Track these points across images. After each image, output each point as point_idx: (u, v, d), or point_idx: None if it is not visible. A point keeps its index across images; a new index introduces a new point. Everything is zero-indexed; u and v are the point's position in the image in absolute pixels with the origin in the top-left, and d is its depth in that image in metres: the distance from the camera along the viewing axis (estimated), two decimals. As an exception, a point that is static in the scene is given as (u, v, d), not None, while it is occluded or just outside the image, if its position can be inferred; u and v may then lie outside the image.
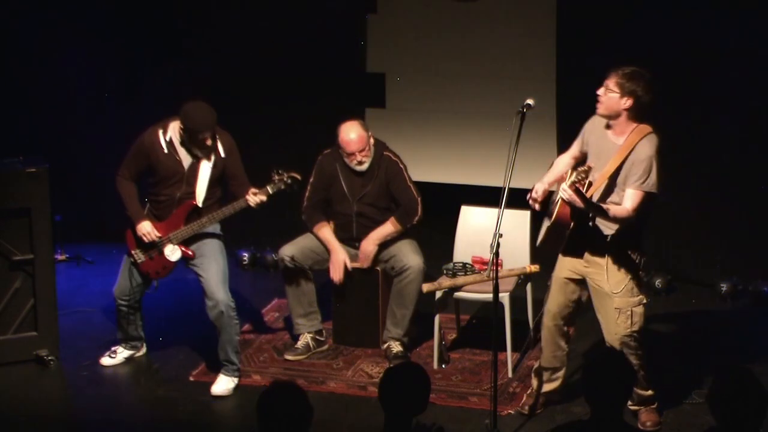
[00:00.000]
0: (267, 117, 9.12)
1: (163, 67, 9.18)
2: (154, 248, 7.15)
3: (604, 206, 6.17)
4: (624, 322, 6.34)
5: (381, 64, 9.20)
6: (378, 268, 7.56)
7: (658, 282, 8.46)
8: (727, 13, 8.17)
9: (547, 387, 6.77)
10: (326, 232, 7.56)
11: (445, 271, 7.45)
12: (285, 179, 7.09)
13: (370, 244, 7.49)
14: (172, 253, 7.14)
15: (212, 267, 7.13)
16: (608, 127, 6.34)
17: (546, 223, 6.45)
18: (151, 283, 7.31)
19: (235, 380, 7.15)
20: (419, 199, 7.48)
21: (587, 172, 6.11)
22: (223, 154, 7.11)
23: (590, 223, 6.29)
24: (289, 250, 7.54)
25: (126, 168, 7.20)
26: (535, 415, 6.74)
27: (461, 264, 7.45)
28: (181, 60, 9.20)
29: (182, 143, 7.06)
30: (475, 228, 7.52)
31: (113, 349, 7.52)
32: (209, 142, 7.00)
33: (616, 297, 6.34)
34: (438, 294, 7.33)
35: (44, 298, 7.51)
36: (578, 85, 8.24)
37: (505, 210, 6.23)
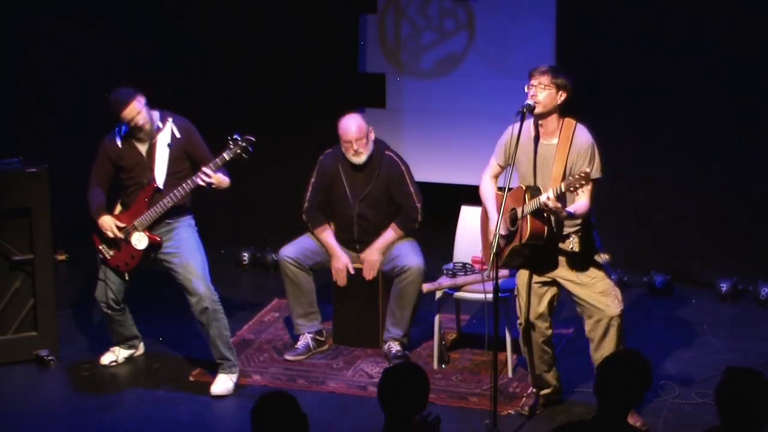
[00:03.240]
0: (267, 117, 9.12)
1: (164, 68, 9.18)
2: (120, 239, 7.12)
3: (571, 209, 6.23)
4: (613, 302, 6.42)
5: (381, 64, 9.21)
6: (378, 269, 7.56)
7: (657, 280, 8.47)
8: (728, 11, 8.17)
9: (545, 391, 6.79)
10: (328, 235, 7.55)
11: (445, 271, 7.45)
12: (240, 143, 6.95)
13: (374, 253, 7.48)
14: (139, 241, 7.09)
15: (191, 262, 7.08)
16: (536, 130, 6.36)
17: (501, 242, 6.35)
18: (125, 278, 7.23)
19: (234, 377, 7.14)
20: (420, 206, 7.46)
21: (579, 180, 6.08)
22: (178, 135, 7.08)
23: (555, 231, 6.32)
24: (289, 251, 7.53)
25: (94, 173, 7.23)
26: (535, 415, 6.74)
27: (461, 264, 7.45)
28: (181, 60, 9.20)
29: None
30: (475, 228, 7.49)
31: (112, 349, 7.52)
32: (135, 123, 6.97)
33: (597, 282, 6.40)
34: (438, 294, 7.34)
35: (44, 298, 7.51)
36: (577, 85, 8.24)
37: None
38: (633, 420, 6.45)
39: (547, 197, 6.09)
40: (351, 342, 7.67)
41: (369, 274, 7.51)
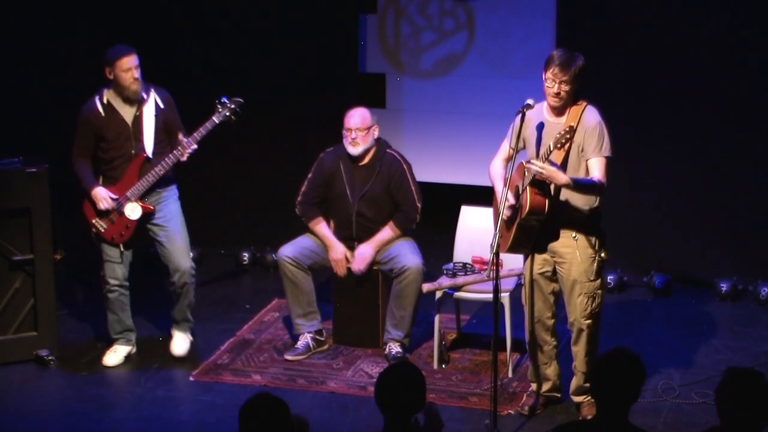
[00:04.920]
0: (267, 117, 9.11)
1: (163, 68, 9.17)
2: (113, 211, 7.17)
3: (580, 179, 6.23)
4: (588, 307, 6.45)
5: (381, 64, 9.21)
6: (377, 268, 7.56)
7: (657, 280, 8.46)
8: (728, 10, 8.17)
9: (544, 387, 6.79)
10: (323, 227, 7.55)
11: (445, 271, 7.44)
12: (229, 105, 7.13)
13: (368, 248, 7.47)
14: (133, 211, 7.17)
15: (176, 238, 7.29)
16: (547, 112, 6.40)
17: (505, 225, 6.39)
18: (122, 253, 7.31)
19: (190, 336, 7.44)
20: (419, 206, 7.46)
21: (564, 135, 6.10)
22: (162, 105, 7.21)
23: (557, 217, 6.32)
24: (287, 251, 7.53)
25: (76, 146, 7.30)
26: (535, 415, 6.74)
27: (461, 264, 7.45)
28: (181, 60, 9.19)
29: (120, 99, 7.14)
30: (475, 228, 7.52)
31: (113, 348, 7.53)
32: (132, 75, 7.06)
33: (583, 282, 6.42)
34: (438, 294, 7.34)
35: (44, 298, 7.51)
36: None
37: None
38: (588, 411, 6.54)
39: (533, 161, 6.13)
40: (351, 342, 7.67)
41: (358, 266, 7.48)
